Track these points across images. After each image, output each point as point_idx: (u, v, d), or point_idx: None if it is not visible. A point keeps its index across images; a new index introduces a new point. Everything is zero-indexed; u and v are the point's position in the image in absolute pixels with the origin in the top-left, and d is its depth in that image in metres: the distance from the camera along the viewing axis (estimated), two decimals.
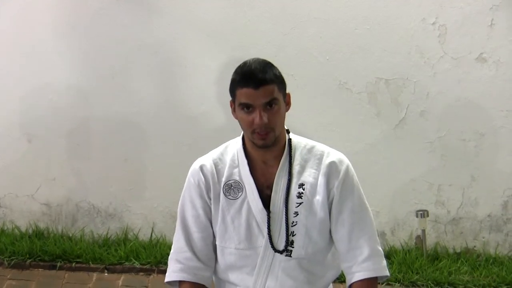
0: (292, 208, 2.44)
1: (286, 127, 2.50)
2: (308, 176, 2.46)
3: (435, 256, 4.98)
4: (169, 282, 2.54)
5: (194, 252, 2.49)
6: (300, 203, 2.44)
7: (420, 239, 5.03)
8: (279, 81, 2.39)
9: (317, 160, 2.48)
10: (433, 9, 4.90)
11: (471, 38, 4.92)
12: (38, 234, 5.10)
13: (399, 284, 4.70)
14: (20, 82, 5.07)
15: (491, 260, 4.96)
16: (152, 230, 5.13)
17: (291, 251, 2.44)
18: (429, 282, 4.70)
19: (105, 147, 5.11)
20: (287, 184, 2.44)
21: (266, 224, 2.43)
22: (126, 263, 4.82)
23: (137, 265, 4.80)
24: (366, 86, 5.00)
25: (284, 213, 2.43)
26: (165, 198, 5.03)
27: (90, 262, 4.81)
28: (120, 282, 4.67)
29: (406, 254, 4.94)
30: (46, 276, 4.71)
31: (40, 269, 4.78)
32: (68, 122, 5.10)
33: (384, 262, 2.49)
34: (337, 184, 2.44)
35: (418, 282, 4.71)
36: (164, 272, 2.58)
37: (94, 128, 5.10)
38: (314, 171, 2.46)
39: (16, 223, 5.18)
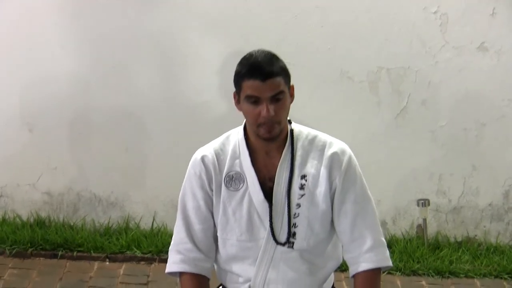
0: (294, 199, 2.42)
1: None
2: (310, 168, 2.44)
3: (436, 245, 4.99)
4: (170, 273, 2.54)
5: (194, 243, 2.48)
6: (302, 195, 2.42)
7: (421, 228, 5.03)
8: (285, 74, 2.37)
9: (319, 151, 2.46)
10: None
11: (473, 27, 4.90)
12: (40, 223, 5.09)
13: (400, 273, 4.71)
14: (21, 72, 5.05)
15: (492, 249, 4.97)
16: (154, 219, 5.13)
17: (293, 243, 2.43)
18: (430, 271, 4.71)
19: (106, 136, 5.10)
20: (289, 176, 2.43)
21: (268, 216, 2.41)
22: (128, 252, 4.83)
23: (138, 254, 4.81)
24: (368, 75, 4.99)
25: (286, 205, 2.42)
26: (167, 187, 5.01)
27: (92, 251, 4.81)
28: (122, 271, 4.68)
29: (407, 243, 4.95)
30: (48, 265, 4.71)
31: (41, 258, 4.78)
32: (70, 111, 5.09)
33: (387, 252, 2.49)
34: (339, 175, 2.43)
35: (419, 271, 4.73)
36: (165, 261, 2.58)
37: (95, 117, 5.08)
38: (316, 162, 2.44)
39: (17, 212, 5.17)
